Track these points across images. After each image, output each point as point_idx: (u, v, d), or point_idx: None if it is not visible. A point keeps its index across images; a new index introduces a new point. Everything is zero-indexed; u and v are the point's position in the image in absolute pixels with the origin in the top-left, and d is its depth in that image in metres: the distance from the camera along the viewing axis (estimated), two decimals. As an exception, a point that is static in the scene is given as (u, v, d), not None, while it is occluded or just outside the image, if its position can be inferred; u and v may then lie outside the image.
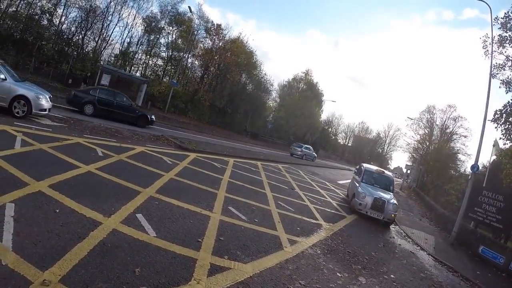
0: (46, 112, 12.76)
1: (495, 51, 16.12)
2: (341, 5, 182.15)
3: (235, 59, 48.98)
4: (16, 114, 11.66)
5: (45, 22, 35.95)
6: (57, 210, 5.36)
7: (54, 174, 6.85)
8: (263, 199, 11.48)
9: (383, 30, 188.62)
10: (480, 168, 16.84)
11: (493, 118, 15.06)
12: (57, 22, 37.28)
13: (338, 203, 16.18)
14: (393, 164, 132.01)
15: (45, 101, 12.51)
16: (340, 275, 6.95)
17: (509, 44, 15.84)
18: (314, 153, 44.27)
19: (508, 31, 15.80)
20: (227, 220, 7.84)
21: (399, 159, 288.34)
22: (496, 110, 15.07)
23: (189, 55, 49.77)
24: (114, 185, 7.56)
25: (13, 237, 4.29)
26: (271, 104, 72.81)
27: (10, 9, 33.71)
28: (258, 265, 6.03)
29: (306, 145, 44.24)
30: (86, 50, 40.62)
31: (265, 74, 61.60)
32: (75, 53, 37.83)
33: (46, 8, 35.59)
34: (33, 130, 10.36)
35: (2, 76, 11.56)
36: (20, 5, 34.10)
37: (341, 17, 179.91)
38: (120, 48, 44.79)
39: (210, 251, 5.83)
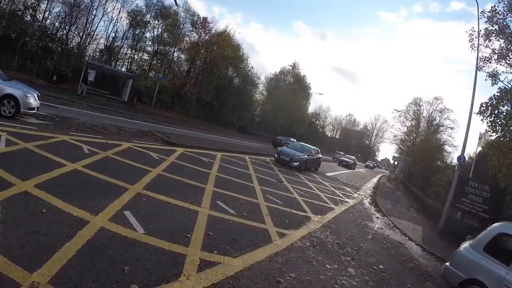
0: (35, 111, 12.57)
1: (481, 45, 16.38)
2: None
3: (221, 52, 48.76)
4: (3, 113, 11.41)
5: (28, 17, 35.13)
6: (44, 210, 5.29)
7: (40, 173, 6.76)
8: (252, 192, 11.53)
9: (370, 22, 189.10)
10: (466, 159, 17.12)
11: (479, 111, 15.24)
12: (41, 17, 36.47)
13: (326, 195, 16.29)
14: (380, 156, 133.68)
15: (33, 100, 12.28)
16: (329, 267, 7.02)
17: (495, 38, 15.98)
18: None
19: (494, 25, 15.93)
20: (215, 215, 7.84)
21: (386, 151, 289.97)
22: (482, 103, 15.25)
23: (175, 49, 49.48)
24: (101, 183, 7.50)
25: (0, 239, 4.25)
26: (258, 98, 72.91)
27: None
28: (247, 259, 6.05)
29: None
30: (71, 45, 39.96)
31: (252, 67, 61.75)
32: (59, 49, 36.99)
33: (29, 3, 34.79)
34: (18, 129, 10.17)
35: None
36: (3, 1, 33.26)
37: (328, 8, 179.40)
38: (105, 43, 44.23)
39: (199, 246, 5.83)
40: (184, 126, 31.08)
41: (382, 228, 13.02)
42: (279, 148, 26.93)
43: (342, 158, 49.90)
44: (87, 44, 41.81)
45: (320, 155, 28.99)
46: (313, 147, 28.87)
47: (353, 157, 43.93)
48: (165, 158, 12.40)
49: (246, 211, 8.95)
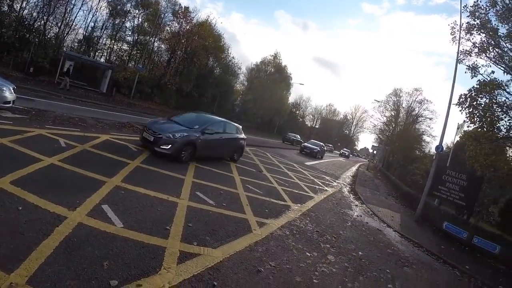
0: (10, 105, 12.15)
1: (462, 38, 16.65)
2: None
3: (202, 42, 48.02)
4: None
5: (5, 8, 33.66)
6: (20, 208, 5.18)
7: (16, 169, 6.61)
8: (231, 182, 11.57)
9: (352, 14, 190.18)
10: (444, 149, 17.50)
11: (458, 102, 15.57)
12: (18, 7, 35.00)
13: (306, 184, 16.46)
14: (359, 145, 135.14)
15: (8, 93, 11.86)
16: (309, 255, 7.14)
17: (477, 32, 16.30)
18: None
19: (476, 19, 16.24)
20: (195, 206, 7.85)
21: (366, 140, 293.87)
22: (461, 94, 15.60)
23: (156, 39, 48.57)
24: (78, 177, 7.37)
25: (-25, 240, 4.17)
26: (238, 88, 72.56)
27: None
28: (227, 249, 6.11)
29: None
30: (48, 36, 38.47)
31: (233, 57, 61.21)
32: (36, 40, 35.56)
33: None
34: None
35: None
36: None
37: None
38: (84, 33, 42.96)
39: (179, 238, 5.86)
40: (164, 117, 30.83)
41: (361, 216, 13.25)
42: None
43: (304, 144, 40.74)
44: (65, 34, 40.49)
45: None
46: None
47: (321, 143, 41.34)
48: (144, 149, 12.25)
49: (225, 201, 9.00)
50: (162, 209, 7.00)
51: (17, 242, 4.31)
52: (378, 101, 62.77)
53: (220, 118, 15.06)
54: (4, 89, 11.72)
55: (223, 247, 6.14)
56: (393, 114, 63.84)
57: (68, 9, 39.20)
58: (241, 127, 16.74)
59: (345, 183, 22.90)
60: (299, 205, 11.53)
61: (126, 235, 5.35)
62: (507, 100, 15.27)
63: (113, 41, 46.59)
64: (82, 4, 40.82)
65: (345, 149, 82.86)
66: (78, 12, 41.16)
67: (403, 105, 63.14)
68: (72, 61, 31.26)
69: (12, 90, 12.17)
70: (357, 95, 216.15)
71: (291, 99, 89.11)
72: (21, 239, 4.40)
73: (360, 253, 8.43)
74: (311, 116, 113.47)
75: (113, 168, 8.69)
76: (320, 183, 18.38)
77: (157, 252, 5.14)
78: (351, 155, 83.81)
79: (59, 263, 4.11)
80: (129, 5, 44.77)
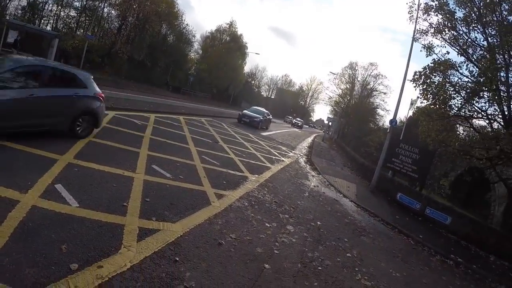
0: None
1: (419, 18, 17.02)
2: None
3: (155, 8, 46.25)
4: None
5: None
6: (-31, 194, 4.88)
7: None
8: (187, 154, 11.47)
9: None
10: (398, 123, 18.16)
11: (412, 78, 16.03)
12: None
13: (263, 154, 16.61)
14: (315, 116, 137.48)
15: None
16: (269, 225, 7.29)
17: (434, 13, 16.64)
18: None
19: (434, 0, 16.56)
20: (151, 180, 7.75)
21: (321, 112, 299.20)
22: (416, 71, 16.07)
23: (106, 4, 46.33)
24: (27, 156, 6.97)
25: None
26: (193, 56, 71.10)
27: None
28: (187, 223, 6.14)
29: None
30: (-10, 3, 36.01)
31: (187, 24, 59.95)
32: None
33: None
34: None
35: None
36: None
37: None
38: (28, -1, 40.16)
39: (137, 214, 5.79)
40: (115, 87, 29.61)
41: (317, 186, 13.58)
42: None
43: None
44: (7, 1, 37.93)
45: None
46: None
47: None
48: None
49: (182, 174, 8.94)
50: (118, 185, 6.84)
51: None
52: (334, 74, 63.33)
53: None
54: None
55: (183, 221, 6.14)
56: (348, 87, 64.98)
57: None
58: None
59: (301, 154, 23.33)
60: (256, 175, 11.64)
61: (82, 214, 5.20)
62: (459, 80, 15.92)
63: (59, 7, 44.02)
64: None
65: (298, 119, 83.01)
66: None
67: (359, 79, 64.58)
68: (16, 31, 29.46)
69: None
70: (313, 67, 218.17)
71: (247, 68, 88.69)
72: None
73: (318, 223, 8.69)
74: (267, 87, 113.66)
75: (64, 145, 8.27)
76: (276, 154, 18.60)
77: (115, 231, 5.07)
78: (305, 126, 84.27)
79: (16, 251, 3.92)
80: None
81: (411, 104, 19.75)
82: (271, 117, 36.38)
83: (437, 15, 16.71)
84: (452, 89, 15.41)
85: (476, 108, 15.53)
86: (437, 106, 15.77)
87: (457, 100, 15.75)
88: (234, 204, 8.06)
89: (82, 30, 45.36)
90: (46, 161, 6.91)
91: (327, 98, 71.08)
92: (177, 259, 4.86)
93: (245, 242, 6.10)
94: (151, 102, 24.56)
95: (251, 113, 31.72)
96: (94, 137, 9.86)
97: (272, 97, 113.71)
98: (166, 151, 10.75)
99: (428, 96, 15.59)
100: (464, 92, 15.33)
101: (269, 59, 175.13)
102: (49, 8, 43.73)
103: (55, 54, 31.91)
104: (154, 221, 5.76)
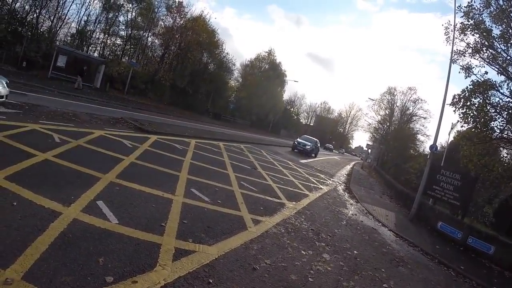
0: (4, 99, 12.05)
1: (456, 38, 16.70)
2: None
3: (196, 38, 47.97)
4: None
5: None
6: (15, 203, 5.14)
7: (10, 165, 6.55)
8: (226, 179, 11.52)
9: (346, 9, 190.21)
10: (438, 148, 17.66)
11: (452, 102, 15.68)
12: (10, 0, 34.58)
13: (301, 182, 16.47)
14: (354, 144, 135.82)
15: (1, 88, 11.78)
16: (304, 253, 7.14)
17: (470, 32, 16.41)
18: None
19: (470, 19, 16.34)
20: (190, 203, 7.82)
21: (360, 139, 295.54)
22: (455, 95, 15.70)
23: (149, 34, 48.36)
24: (73, 172, 7.31)
25: (-30, 235, 4.14)
26: (233, 84, 72.45)
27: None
28: (223, 246, 6.09)
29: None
30: (41, 30, 38.16)
31: (227, 53, 61.21)
32: (29, 33, 35.40)
33: None
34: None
35: None
36: None
37: None
38: (77, 27, 42.64)
39: (174, 235, 5.83)
40: (158, 112, 30.62)
41: (356, 214, 13.28)
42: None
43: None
44: (58, 28, 40.17)
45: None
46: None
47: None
48: (138, 145, 12.22)
49: (220, 199, 8.97)
50: (157, 205, 6.96)
51: (12, 237, 4.27)
52: (373, 100, 62.69)
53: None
54: None
55: (219, 244, 6.11)
56: (388, 112, 64.02)
57: (61, 2, 38.98)
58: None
59: (340, 182, 22.97)
60: (294, 203, 11.53)
61: (121, 231, 5.32)
62: (500, 100, 15.45)
63: (106, 36, 46.26)
64: None
65: (328, 144, 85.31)
66: (71, 5, 41.27)
67: (398, 104, 63.49)
68: (65, 56, 31.08)
69: (5, 84, 12.04)
70: (351, 93, 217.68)
71: (286, 96, 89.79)
72: (16, 234, 4.36)
73: (355, 251, 8.45)
74: (306, 114, 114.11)
75: (107, 164, 8.65)
76: (315, 181, 18.40)
77: (152, 249, 5.11)
78: (347, 154, 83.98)
79: (55, 259, 4.07)
80: None
81: (451, 128, 19.23)
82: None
83: (473, 35, 16.49)
84: (493, 110, 14.96)
85: (520, 129, 14.91)
86: (478, 129, 15.24)
87: (499, 122, 15.28)
88: (270, 230, 7.98)
89: (127, 57, 47.16)
90: (90, 179, 7.20)
91: (366, 125, 70.24)
92: (211, 281, 4.82)
93: (280, 269, 5.99)
94: (192, 128, 25.07)
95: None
96: (136, 158, 10.16)
97: (311, 124, 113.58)
98: (205, 176, 10.87)
99: (468, 119, 15.15)
100: (505, 113, 14.82)
101: (307, 86, 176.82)
102: (97, 36, 45.89)
103: (101, 79, 33.39)
104: (191, 242, 5.77)
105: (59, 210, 5.34)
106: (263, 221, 8.46)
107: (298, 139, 35.00)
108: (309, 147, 33.51)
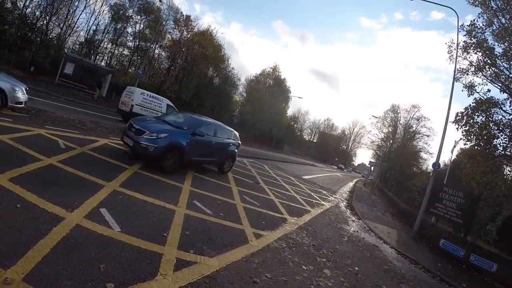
0: (23, 106, 12.13)
1: (459, 56, 16.82)
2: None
3: (203, 51, 48.44)
4: None
5: (8, 5, 33.43)
6: (18, 205, 5.17)
7: (15, 167, 6.59)
8: (228, 193, 11.49)
9: (350, 27, 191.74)
10: (441, 166, 17.60)
11: (454, 120, 15.66)
12: (21, 5, 34.93)
13: (303, 197, 16.41)
14: (357, 161, 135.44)
15: (21, 94, 11.82)
16: (305, 268, 7.09)
17: (473, 51, 16.46)
18: None
19: (473, 38, 16.42)
20: (192, 214, 7.80)
21: (363, 156, 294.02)
22: (458, 112, 15.68)
23: (157, 46, 48.77)
24: (77, 179, 7.35)
25: (-28, 234, 4.15)
26: (237, 99, 72.63)
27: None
28: (224, 259, 6.06)
29: None
30: (50, 36, 38.54)
31: (232, 68, 61.69)
32: (38, 39, 35.87)
33: None
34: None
35: None
36: None
37: (307, 8, 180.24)
38: (86, 36, 43.06)
39: (176, 245, 5.81)
40: (163, 124, 30.79)
41: (357, 231, 13.19)
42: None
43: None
44: (67, 36, 40.55)
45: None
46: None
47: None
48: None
49: (222, 212, 8.94)
50: (159, 215, 6.96)
51: (15, 239, 4.30)
52: (376, 117, 62.92)
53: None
54: (17, 89, 11.67)
55: (220, 257, 6.08)
56: (391, 130, 64.30)
57: (71, 10, 39.46)
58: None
59: (342, 198, 22.88)
60: (296, 218, 11.48)
61: (123, 239, 5.32)
62: (503, 118, 15.46)
63: (114, 46, 46.75)
64: (84, 6, 41.17)
65: (340, 164, 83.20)
66: (81, 14, 41.43)
67: (401, 122, 63.81)
68: (73, 63, 31.48)
69: (24, 91, 12.15)
70: (355, 110, 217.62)
71: (290, 112, 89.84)
72: (19, 236, 4.38)
73: (356, 268, 8.38)
74: (309, 130, 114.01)
75: (111, 172, 8.68)
76: (317, 197, 18.33)
77: (153, 258, 5.10)
78: (348, 170, 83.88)
79: (56, 263, 4.09)
80: (131, 10, 45.24)
81: (454, 146, 19.17)
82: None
83: (476, 53, 16.52)
84: (496, 128, 14.93)
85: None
86: (481, 147, 15.20)
87: (502, 139, 15.28)
88: (272, 244, 7.94)
89: (133, 68, 47.51)
90: (93, 186, 7.23)
91: (369, 142, 70.29)
92: (211, 292, 4.80)
93: (280, 283, 5.94)
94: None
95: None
96: (140, 168, 10.16)
97: (314, 140, 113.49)
98: (208, 188, 10.85)
99: (471, 137, 15.13)
100: (508, 130, 14.85)
101: (311, 102, 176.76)
102: (104, 46, 46.40)
103: (107, 88, 33.75)
104: (192, 253, 5.75)
105: (62, 215, 5.36)
106: (265, 235, 8.41)
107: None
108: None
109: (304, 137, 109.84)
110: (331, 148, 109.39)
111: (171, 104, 23.31)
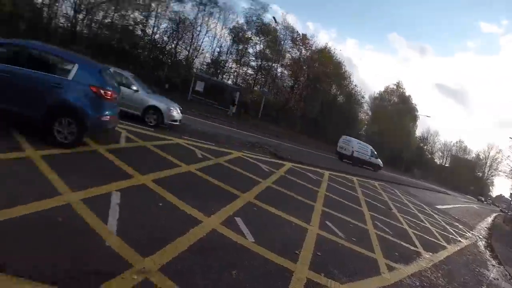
0: (178, 123, 13.47)
1: None
2: (421, 7, 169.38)
3: (323, 69, 49.04)
4: (149, 123, 12.37)
5: (139, 32, 38.85)
6: (160, 204, 5.51)
7: (157, 170, 7.08)
8: (360, 217, 10.93)
9: (471, 34, 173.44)
10: None
11: None
12: (150, 32, 40.18)
13: (438, 230, 15.00)
14: (494, 192, 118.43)
15: (176, 113, 13.19)
16: (439, 312, 6.33)
17: None
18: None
19: None
20: (324, 235, 7.47)
21: (502, 186, 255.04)
22: None
23: (278, 65, 50.36)
24: (213, 187, 7.66)
25: (117, 222, 4.46)
26: (363, 117, 70.65)
27: (105, 20, 36.98)
28: (355, 287, 5.62)
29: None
30: (179, 58, 43.03)
31: (355, 85, 60.92)
32: (169, 61, 40.62)
33: (138, 20, 38.52)
34: (137, 129, 10.91)
35: (135, 88, 12.46)
36: (114, 17, 37.07)
37: (421, 17, 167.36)
38: (211, 57, 46.60)
39: (307, 265, 5.53)
40: (289, 140, 31.40)
41: (497, 279, 11.58)
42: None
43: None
44: (194, 57, 44.47)
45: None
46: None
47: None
48: (274, 171, 12.42)
49: (355, 236, 8.44)
50: (291, 232, 6.83)
51: (155, 233, 4.56)
52: (515, 139, 53.53)
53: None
54: (172, 109, 13.10)
55: (351, 284, 5.64)
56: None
57: (195, 35, 43.30)
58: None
59: (480, 236, 20.52)
60: (430, 254, 10.44)
61: (256, 250, 5.26)
62: None
63: (238, 65, 49.60)
64: (206, 31, 44.57)
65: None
66: (204, 38, 44.78)
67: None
68: (202, 82, 34.41)
69: (179, 110, 13.57)
70: (487, 129, 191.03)
71: (418, 132, 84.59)
72: (159, 231, 4.65)
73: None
74: (440, 153, 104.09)
75: (245, 185, 8.88)
76: (452, 232, 16.64)
77: (284, 274, 4.91)
78: (487, 203, 76.20)
79: (191, 261, 4.22)
80: (249, 32, 47.46)
81: None
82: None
83: None
84: None
85: None
86: None
87: None
88: (405, 280, 7.21)
89: (258, 86, 49.82)
90: (229, 195, 7.46)
91: (509, 170, 57.33)
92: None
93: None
94: (325, 159, 25.09)
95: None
96: (273, 183, 10.24)
97: (446, 165, 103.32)
98: (339, 210, 10.46)
99: None
100: None
101: (439, 121, 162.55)
102: (229, 65, 49.52)
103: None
104: (323, 276, 5.41)
105: (200, 218, 5.54)
106: (398, 268, 7.70)
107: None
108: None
109: (435, 160, 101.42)
110: (465, 174, 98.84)
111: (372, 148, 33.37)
